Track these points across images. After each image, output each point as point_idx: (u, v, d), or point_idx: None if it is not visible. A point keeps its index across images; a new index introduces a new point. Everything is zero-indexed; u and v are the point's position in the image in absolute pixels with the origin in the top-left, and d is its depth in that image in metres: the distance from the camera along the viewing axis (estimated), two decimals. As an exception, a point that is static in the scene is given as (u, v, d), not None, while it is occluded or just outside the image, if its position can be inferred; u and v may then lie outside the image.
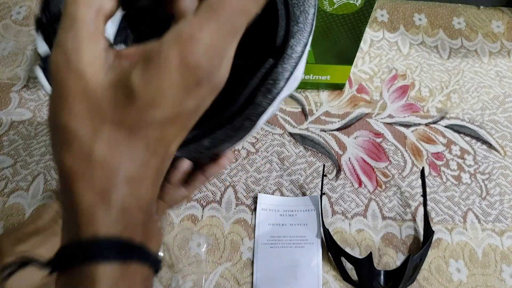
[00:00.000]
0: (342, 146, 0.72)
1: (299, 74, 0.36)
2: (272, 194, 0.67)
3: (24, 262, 0.23)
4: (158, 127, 0.21)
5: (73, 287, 0.20)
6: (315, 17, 0.36)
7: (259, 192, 0.67)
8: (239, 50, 0.31)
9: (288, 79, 0.35)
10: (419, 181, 0.69)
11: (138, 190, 0.22)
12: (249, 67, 0.35)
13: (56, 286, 0.21)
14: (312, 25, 0.36)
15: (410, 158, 0.71)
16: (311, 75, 0.75)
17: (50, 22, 0.36)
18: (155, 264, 0.23)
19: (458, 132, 0.74)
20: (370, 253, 0.56)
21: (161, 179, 0.24)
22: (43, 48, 0.34)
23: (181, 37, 0.20)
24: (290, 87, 0.35)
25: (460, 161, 0.71)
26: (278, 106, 0.36)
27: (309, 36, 0.36)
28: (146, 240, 0.23)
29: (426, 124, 0.75)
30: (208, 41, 0.20)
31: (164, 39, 0.20)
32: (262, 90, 0.34)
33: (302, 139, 0.73)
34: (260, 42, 0.36)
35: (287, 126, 0.74)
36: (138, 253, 0.22)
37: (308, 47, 0.36)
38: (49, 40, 0.35)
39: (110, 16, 0.22)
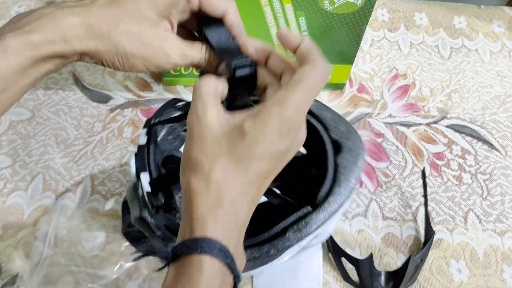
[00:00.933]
0: (343, 146, 0.72)
1: (328, 228, 0.44)
2: (272, 194, 0.67)
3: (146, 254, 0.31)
4: (258, 160, 0.30)
5: (185, 270, 0.28)
6: (356, 186, 0.45)
7: (259, 192, 0.67)
8: (286, 191, 0.47)
9: (318, 226, 0.42)
10: (420, 181, 0.68)
11: (237, 211, 0.30)
12: (289, 207, 0.44)
13: (169, 273, 0.29)
14: (351, 192, 0.44)
15: (411, 158, 0.71)
16: (311, 74, 0.75)
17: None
18: (237, 277, 0.31)
19: (459, 132, 0.74)
20: (371, 253, 0.56)
21: (253, 207, 0.32)
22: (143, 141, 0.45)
23: (279, 100, 0.30)
24: (318, 237, 0.44)
25: (461, 161, 0.71)
26: (299, 249, 0.44)
27: (345, 200, 0.44)
28: (235, 255, 0.30)
29: (427, 124, 0.75)
30: (296, 103, 0.30)
31: (267, 102, 0.31)
32: (294, 228, 0.42)
33: (302, 139, 0.72)
34: (305, 191, 0.46)
35: (287, 126, 0.74)
36: (231, 260, 0.29)
37: (342, 209, 0.44)
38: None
39: (223, 94, 0.33)
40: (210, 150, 0.30)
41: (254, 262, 0.42)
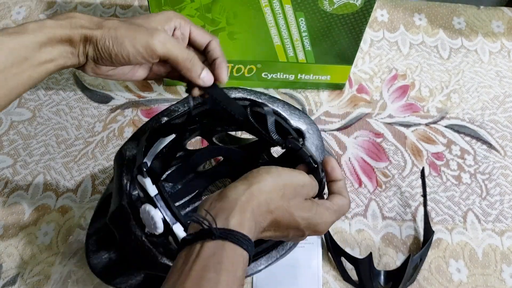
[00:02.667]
0: (342, 146, 0.72)
1: None
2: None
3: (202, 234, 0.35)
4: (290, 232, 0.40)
5: (224, 253, 0.33)
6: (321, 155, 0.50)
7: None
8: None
9: None
10: (419, 181, 0.69)
11: (257, 222, 0.37)
12: None
13: (204, 250, 0.33)
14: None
15: (410, 158, 0.71)
16: (311, 75, 0.75)
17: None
18: (251, 258, 0.36)
19: (458, 132, 0.74)
20: (370, 253, 0.56)
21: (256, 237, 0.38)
22: (154, 192, 0.44)
23: (329, 207, 0.42)
24: None
25: (460, 161, 0.71)
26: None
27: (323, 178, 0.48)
28: (252, 238, 0.36)
29: (426, 124, 0.75)
30: (330, 221, 0.42)
31: (323, 204, 0.42)
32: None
33: (302, 139, 0.73)
34: None
35: (287, 126, 0.74)
36: (252, 249, 0.35)
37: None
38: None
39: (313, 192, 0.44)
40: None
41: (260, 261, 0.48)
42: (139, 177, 0.45)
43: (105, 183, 0.67)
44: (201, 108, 0.49)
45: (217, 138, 0.61)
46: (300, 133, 0.51)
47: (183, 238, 0.36)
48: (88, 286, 0.59)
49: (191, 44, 0.46)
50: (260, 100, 0.51)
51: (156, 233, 0.44)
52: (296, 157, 0.47)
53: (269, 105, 0.51)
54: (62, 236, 0.62)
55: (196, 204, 0.63)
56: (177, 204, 0.62)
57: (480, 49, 0.85)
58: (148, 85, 0.78)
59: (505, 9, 0.90)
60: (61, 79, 0.78)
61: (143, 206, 0.44)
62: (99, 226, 0.53)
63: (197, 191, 0.64)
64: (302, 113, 0.52)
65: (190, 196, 0.63)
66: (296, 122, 0.51)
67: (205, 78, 0.43)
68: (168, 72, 0.45)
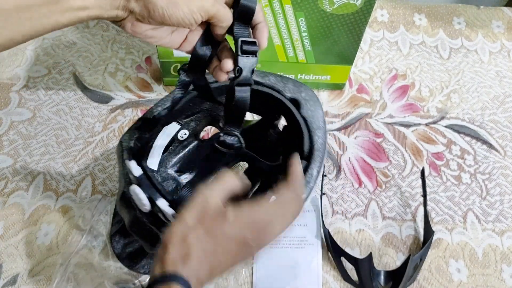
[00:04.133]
0: (342, 146, 0.72)
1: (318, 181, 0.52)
2: (272, 194, 0.67)
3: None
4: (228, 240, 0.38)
5: None
6: (325, 126, 0.52)
7: (259, 192, 0.67)
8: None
9: (316, 177, 0.49)
10: (419, 181, 0.69)
11: (199, 271, 0.36)
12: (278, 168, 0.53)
13: None
14: (325, 134, 0.51)
15: (410, 158, 0.71)
16: (311, 75, 0.75)
17: (140, 150, 0.50)
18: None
19: (458, 132, 0.74)
20: (370, 253, 0.56)
21: (213, 273, 0.38)
22: (138, 172, 0.46)
23: (255, 207, 0.39)
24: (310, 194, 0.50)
25: (460, 161, 0.71)
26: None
27: (325, 142, 0.51)
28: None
29: (426, 124, 0.75)
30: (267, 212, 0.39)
31: (245, 208, 0.39)
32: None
33: (302, 139, 0.73)
34: (270, 152, 0.57)
35: (287, 126, 0.74)
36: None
37: (326, 154, 0.53)
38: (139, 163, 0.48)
39: (233, 192, 0.40)
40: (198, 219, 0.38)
41: None
42: (126, 161, 0.47)
43: (105, 183, 0.67)
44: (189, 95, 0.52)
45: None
46: (295, 102, 0.52)
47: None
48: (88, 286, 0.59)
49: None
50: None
51: (146, 211, 0.46)
52: (294, 127, 0.50)
53: (260, 79, 0.52)
54: (62, 236, 0.62)
55: None
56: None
57: (480, 49, 0.85)
58: (148, 85, 0.78)
59: (505, 9, 0.90)
60: (61, 79, 0.78)
61: (131, 187, 0.46)
62: (119, 218, 0.56)
63: (213, 176, 0.64)
64: (296, 81, 0.53)
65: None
66: (291, 92, 0.53)
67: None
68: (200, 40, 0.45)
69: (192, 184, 0.62)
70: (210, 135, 0.70)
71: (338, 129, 0.74)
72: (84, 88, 0.77)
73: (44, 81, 0.78)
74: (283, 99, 0.52)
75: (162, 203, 0.45)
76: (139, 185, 0.46)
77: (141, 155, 0.50)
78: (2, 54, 0.81)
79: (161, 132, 0.53)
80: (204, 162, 0.63)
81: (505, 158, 0.72)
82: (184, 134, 0.58)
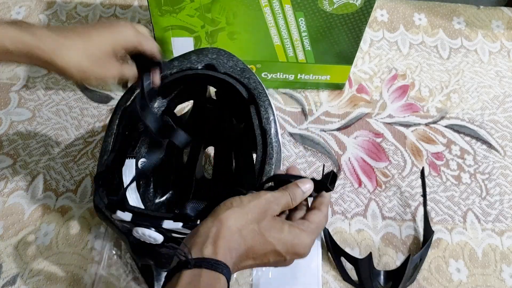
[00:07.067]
0: (342, 146, 0.72)
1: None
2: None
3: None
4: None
5: (204, 279, 0.35)
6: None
7: (259, 192, 0.67)
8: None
9: (270, 105, 0.52)
10: (419, 181, 0.69)
11: (231, 248, 0.38)
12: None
13: (182, 278, 0.36)
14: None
15: (410, 158, 0.71)
16: (311, 75, 0.75)
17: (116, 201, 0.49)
18: (228, 279, 0.37)
19: (458, 132, 0.74)
20: (370, 253, 0.56)
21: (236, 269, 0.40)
22: (128, 216, 0.47)
23: (288, 241, 0.41)
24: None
25: (460, 161, 0.71)
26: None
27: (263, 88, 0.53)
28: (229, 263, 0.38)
29: (426, 124, 0.75)
30: (309, 242, 0.42)
31: (295, 224, 0.42)
32: (264, 121, 0.51)
33: (302, 139, 0.73)
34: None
35: (287, 126, 0.74)
36: (230, 276, 0.37)
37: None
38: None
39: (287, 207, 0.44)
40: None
41: None
42: (112, 216, 0.47)
43: (105, 183, 0.67)
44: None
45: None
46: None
47: (166, 273, 0.38)
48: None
49: None
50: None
51: (160, 243, 0.46)
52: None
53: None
54: (62, 236, 0.62)
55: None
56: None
57: (480, 49, 0.85)
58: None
59: (505, 9, 0.90)
60: (60, 79, 0.78)
61: (134, 231, 0.46)
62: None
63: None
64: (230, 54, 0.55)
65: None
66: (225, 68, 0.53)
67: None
68: None
69: (171, 204, 0.62)
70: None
71: (338, 129, 0.74)
72: (83, 88, 0.77)
73: (44, 81, 0.77)
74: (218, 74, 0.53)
75: (170, 224, 0.46)
76: (138, 225, 0.46)
77: (121, 204, 0.50)
78: (2, 54, 0.80)
79: (123, 175, 0.52)
80: (175, 173, 0.63)
81: (505, 158, 0.72)
82: (142, 162, 0.57)
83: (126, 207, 0.47)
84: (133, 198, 0.52)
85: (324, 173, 0.45)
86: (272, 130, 0.50)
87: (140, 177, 0.56)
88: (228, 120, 0.60)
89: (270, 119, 0.51)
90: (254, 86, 0.52)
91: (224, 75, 0.53)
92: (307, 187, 0.44)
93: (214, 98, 0.60)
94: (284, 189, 0.43)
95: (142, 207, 0.52)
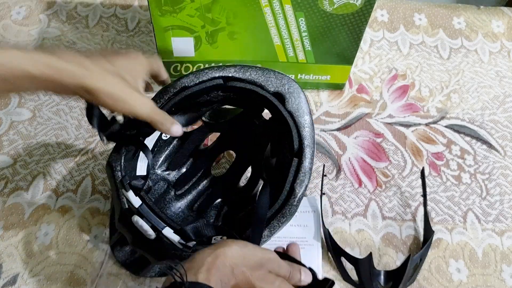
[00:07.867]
0: (342, 146, 0.72)
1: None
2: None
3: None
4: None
5: None
6: (310, 118, 0.52)
7: (259, 192, 0.67)
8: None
9: (310, 169, 0.50)
10: (419, 181, 0.69)
11: (222, 280, 0.39)
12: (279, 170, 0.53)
13: None
14: (312, 125, 0.52)
15: (410, 158, 0.71)
16: (311, 75, 0.75)
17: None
18: None
19: (458, 132, 0.74)
20: (370, 253, 0.56)
21: None
22: (137, 203, 0.47)
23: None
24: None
25: (460, 161, 0.71)
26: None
27: (313, 134, 0.52)
28: None
29: (426, 124, 0.75)
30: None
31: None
32: (298, 182, 0.50)
33: (302, 139, 0.73)
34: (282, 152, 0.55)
35: (287, 126, 0.74)
36: None
37: (315, 146, 0.54)
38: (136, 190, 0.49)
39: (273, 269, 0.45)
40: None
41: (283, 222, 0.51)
42: (123, 192, 0.47)
43: (105, 183, 0.67)
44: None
45: (207, 117, 0.61)
46: (279, 96, 0.52)
47: None
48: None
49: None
50: (230, 75, 0.52)
51: (151, 239, 0.47)
52: (281, 119, 0.50)
53: (241, 75, 0.52)
54: (62, 236, 0.62)
55: (204, 182, 0.65)
56: (186, 186, 0.63)
57: (480, 49, 0.85)
58: (148, 85, 0.78)
59: (505, 9, 0.90)
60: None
61: (132, 218, 0.46)
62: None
63: (202, 170, 0.65)
64: (278, 74, 0.52)
65: (198, 176, 0.64)
66: (274, 86, 0.52)
67: (178, 132, 0.49)
68: None
69: (181, 182, 0.62)
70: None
71: (338, 129, 0.74)
72: (84, 88, 0.77)
73: (44, 81, 0.77)
74: (266, 94, 0.52)
75: (168, 232, 0.46)
76: (140, 214, 0.46)
77: (132, 169, 0.50)
78: (2, 54, 0.80)
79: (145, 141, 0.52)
80: (190, 157, 0.63)
81: (505, 158, 0.72)
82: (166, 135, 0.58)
83: (139, 193, 0.48)
84: (142, 164, 0.52)
85: (324, 277, 0.47)
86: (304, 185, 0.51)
87: (156, 145, 0.57)
88: (266, 144, 0.61)
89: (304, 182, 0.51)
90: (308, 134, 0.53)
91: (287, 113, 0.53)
92: (307, 279, 0.46)
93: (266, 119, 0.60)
94: (290, 265, 0.46)
95: (145, 173, 0.52)
